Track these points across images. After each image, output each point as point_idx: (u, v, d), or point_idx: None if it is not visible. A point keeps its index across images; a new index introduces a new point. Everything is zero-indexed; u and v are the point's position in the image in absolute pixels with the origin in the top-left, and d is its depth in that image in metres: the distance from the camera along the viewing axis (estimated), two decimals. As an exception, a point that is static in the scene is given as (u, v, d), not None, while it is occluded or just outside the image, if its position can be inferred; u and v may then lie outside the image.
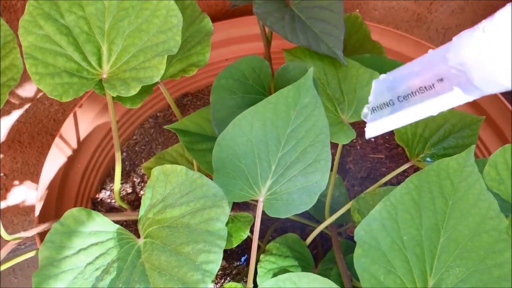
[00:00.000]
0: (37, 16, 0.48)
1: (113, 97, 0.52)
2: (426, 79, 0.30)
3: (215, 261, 0.37)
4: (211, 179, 0.44)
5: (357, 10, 0.99)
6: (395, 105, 0.31)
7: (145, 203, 0.44)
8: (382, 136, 0.84)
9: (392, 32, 0.85)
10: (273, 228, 0.72)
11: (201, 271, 0.36)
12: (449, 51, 0.28)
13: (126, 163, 0.84)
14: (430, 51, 0.31)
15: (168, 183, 0.43)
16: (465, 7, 1.11)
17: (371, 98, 0.33)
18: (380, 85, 0.32)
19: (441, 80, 0.29)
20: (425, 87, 0.30)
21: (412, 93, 0.30)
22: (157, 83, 0.53)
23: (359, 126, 0.86)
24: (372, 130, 0.32)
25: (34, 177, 1.00)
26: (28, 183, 1.01)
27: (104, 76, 0.51)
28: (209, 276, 0.36)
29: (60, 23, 0.49)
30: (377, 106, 0.31)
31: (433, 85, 0.29)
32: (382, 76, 0.33)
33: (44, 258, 0.40)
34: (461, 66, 0.27)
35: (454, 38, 0.28)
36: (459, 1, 1.09)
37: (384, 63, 0.63)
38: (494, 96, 0.76)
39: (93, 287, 0.39)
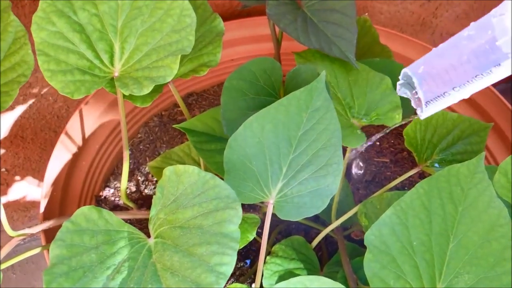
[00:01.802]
0: (50, 12, 0.48)
1: (123, 96, 0.52)
2: (482, 66, 0.30)
3: (229, 263, 0.37)
4: (220, 179, 0.44)
5: (366, 14, 0.99)
6: (450, 95, 0.31)
7: (156, 202, 0.44)
8: (387, 140, 0.84)
9: (399, 36, 0.85)
10: (277, 230, 0.72)
11: (215, 273, 0.36)
12: (495, 31, 0.28)
13: (131, 161, 0.84)
14: (467, 34, 0.31)
15: (180, 183, 0.43)
16: (470, 13, 1.12)
17: (418, 91, 0.32)
18: (426, 77, 0.32)
19: (499, 65, 0.29)
20: (482, 74, 0.30)
21: (468, 81, 0.30)
22: (167, 82, 0.53)
23: (364, 130, 0.86)
24: (428, 113, 0.33)
25: (36, 173, 1.00)
26: (29, 179, 1.00)
27: (116, 74, 0.51)
28: (223, 279, 0.36)
29: (73, 20, 0.49)
30: (432, 100, 0.32)
31: (490, 71, 0.29)
32: (419, 67, 0.33)
33: (54, 256, 0.40)
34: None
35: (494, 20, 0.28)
36: (465, 6, 1.09)
37: (393, 67, 0.63)
38: (501, 102, 0.76)
39: (104, 286, 0.39)
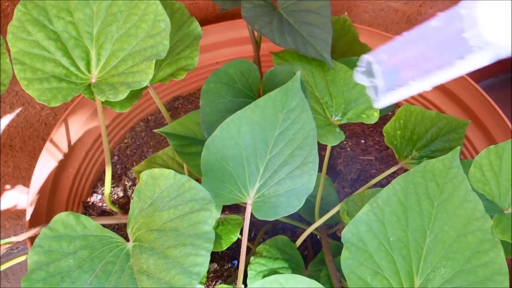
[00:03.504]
0: (25, 21, 0.49)
1: (102, 102, 0.52)
2: (446, 58, 0.29)
3: (203, 264, 0.37)
4: (198, 182, 0.45)
5: (346, 13, 0.99)
6: (411, 85, 0.31)
7: (134, 207, 0.45)
8: (372, 137, 0.85)
9: (381, 34, 0.86)
10: (264, 230, 0.72)
11: (189, 274, 0.37)
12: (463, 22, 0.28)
13: (118, 166, 0.84)
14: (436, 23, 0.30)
15: (157, 186, 0.44)
16: (455, 9, 1.12)
17: (375, 82, 0.32)
18: (387, 66, 0.32)
19: (463, 58, 0.29)
20: (446, 66, 0.30)
21: (431, 72, 0.30)
22: (146, 87, 0.54)
23: (349, 128, 0.87)
24: (384, 102, 0.32)
25: (26, 181, 1.00)
26: (19, 187, 1.01)
27: (93, 80, 0.51)
28: (196, 279, 0.36)
29: (49, 29, 0.49)
30: (391, 89, 0.31)
31: (455, 63, 0.29)
32: (382, 54, 0.32)
33: (33, 262, 0.40)
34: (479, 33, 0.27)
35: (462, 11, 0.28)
36: (448, 2, 1.10)
37: (372, 66, 0.63)
38: (482, 97, 0.77)
39: (82, 291, 0.39)
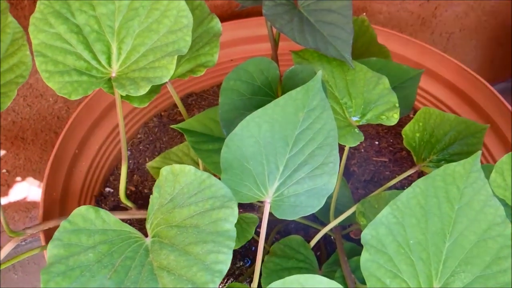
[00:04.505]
0: (48, 14, 0.49)
1: (121, 96, 0.52)
2: None
3: (225, 262, 0.37)
4: (218, 179, 0.44)
5: (364, 14, 0.99)
6: None
7: (153, 202, 0.44)
8: (386, 139, 0.85)
9: (397, 35, 0.86)
10: (276, 229, 0.72)
11: (211, 271, 0.36)
12: None
13: (130, 161, 0.84)
14: None
15: (177, 183, 0.44)
16: (470, 12, 1.12)
17: None
18: None
19: None
20: None
21: None
22: (165, 82, 0.54)
23: (363, 129, 0.87)
24: None
25: (37, 174, 1.00)
26: (30, 180, 1.01)
27: (113, 75, 0.51)
28: (218, 277, 0.36)
29: (71, 22, 0.49)
30: None
31: None
32: None
33: (52, 256, 0.40)
34: None
35: None
36: (464, 6, 1.09)
37: (390, 67, 0.63)
38: (499, 102, 0.76)
39: (101, 285, 0.39)
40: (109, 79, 0.51)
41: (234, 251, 0.72)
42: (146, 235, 0.44)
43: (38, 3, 0.49)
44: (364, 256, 0.44)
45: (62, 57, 0.49)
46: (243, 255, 0.72)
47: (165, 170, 0.44)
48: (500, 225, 0.45)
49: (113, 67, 0.51)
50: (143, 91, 0.47)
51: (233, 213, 0.40)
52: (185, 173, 0.43)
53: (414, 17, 1.08)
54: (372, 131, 0.86)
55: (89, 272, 0.40)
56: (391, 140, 0.84)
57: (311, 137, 0.47)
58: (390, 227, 0.45)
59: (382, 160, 0.81)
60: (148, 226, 0.44)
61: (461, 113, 0.83)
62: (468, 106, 0.82)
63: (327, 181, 0.47)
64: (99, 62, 0.50)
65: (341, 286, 0.41)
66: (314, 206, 0.47)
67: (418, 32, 1.12)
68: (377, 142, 0.84)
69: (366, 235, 0.44)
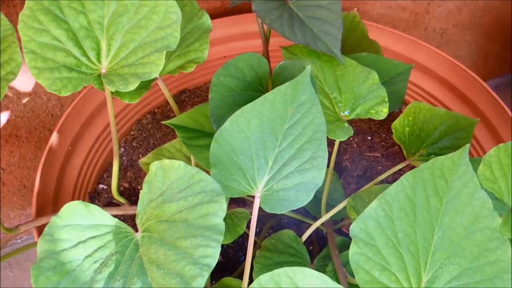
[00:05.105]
0: (37, 11, 0.49)
1: (111, 92, 0.52)
2: None
3: (213, 256, 0.37)
4: (209, 174, 0.45)
5: (355, 9, 0.99)
6: None
7: (143, 197, 0.45)
8: (379, 134, 0.85)
9: (389, 31, 0.86)
10: (269, 224, 0.72)
11: (199, 265, 0.37)
12: None
13: (124, 158, 0.84)
14: None
15: (166, 178, 0.44)
16: (463, 8, 1.12)
17: None
18: None
19: None
20: None
21: None
22: (155, 79, 0.54)
23: (356, 125, 0.87)
24: None
25: (31, 172, 1.01)
26: (25, 177, 1.01)
27: (103, 71, 0.51)
28: (206, 270, 0.37)
29: (60, 18, 0.49)
30: None
31: None
32: None
33: (42, 251, 0.40)
34: None
35: None
36: (457, 2, 1.09)
37: (380, 62, 0.63)
38: (490, 96, 0.77)
39: (91, 279, 0.39)
40: (99, 76, 0.51)
41: (227, 247, 0.73)
42: (136, 230, 0.44)
43: (27, 0, 0.49)
44: (353, 249, 0.44)
45: (52, 54, 0.49)
46: (236, 251, 0.73)
47: (154, 166, 0.45)
48: (487, 217, 0.45)
49: (103, 63, 0.51)
50: (132, 87, 0.48)
51: (222, 208, 0.40)
52: (175, 168, 0.44)
53: (407, 13, 1.08)
54: (365, 126, 0.86)
55: (80, 266, 0.40)
56: (384, 135, 0.85)
57: (300, 132, 0.47)
58: (379, 220, 0.45)
59: (375, 155, 0.82)
60: (138, 221, 0.44)
61: (453, 108, 0.83)
62: (460, 101, 0.82)
63: (316, 175, 0.47)
64: (88, 58, 0.50)
65: (330, 279, 0.41)
66: (303, 200, 0.47)
67: (412, 28, 1.12)
68: (369, 137, 0.84)
69: (354, 229, 0.44)
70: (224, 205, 0.41)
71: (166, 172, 0.44)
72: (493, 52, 1.29)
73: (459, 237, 0.45)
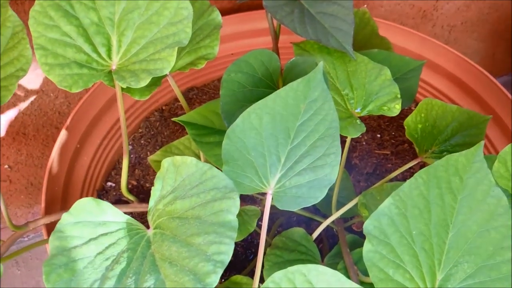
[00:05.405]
0: (47, 6, 0.48)
1: (122, 89, 0.52)
2: None
3: (226, 252, 0.37)
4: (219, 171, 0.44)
5: (365, 6, 0.98)
6: None
7: (154, 194, 0.44)
8: (388, 132, 0.84)
9: (398, 28, 0.85)
10: (278, 222, 0.72)
11: (213, 262, 0.36)
12: None
13: (132, 156, 0.84)
14: None
15: (178, 174, 0.43)
16: (471, 5, 1.11)
17: None
18: None
19: None
20: None
21: None
22: (166, 75, 0.53)
23: (365, 122, 0.86)
24: None
25: (39, 170, 1.00)
26: (32, 175, 1.01)
27: (114, 67, 0.51)
28: (220, 267, 0.36)
29: (71, 14, 0.49)
30: None
31: None
32: None
33: (54, 247, 0.40)
34: None
35: None
36: (465, -2, 1.09)
37: (392, 58, 0.63)
38: (501, 93, 0.76)
39: (103, 276, 0.39)
40: (110, 72, 0.51)
41: (237, 244, 0.72)
42: (147, 227, 0.44)
43: (37, -5, 0.49)
44: (367, 246, 0.43)
45: (62, 50, 0.48)
46: (246, 249, 0.72)
47: (166, 162, 0.44)
48: (502, 215, 0.45)
49: (113, 59, 0.51)
50: (144, 83, 0.47)
51: (235, 204, 0.40)
52: (187, 164, 0.43)
53: (415, 10, 1.07)
54: (374, 123, 0.85)
55: (91, 263, 0.40)
56: (393, 133, 0.84)
57: (313, 128, 0.47)
58: (393, 217, 0.45)
59: (384, 153, 0.81)
60: (149, 218, 0.44)
61: (463, 105, 0.83)
62: (470, 97, 0.82)
63: (329, 172, 0.46)
64: (99, 54, 0.50)
65: (344, 276, 0.41)
66: (316, 197, 0.47)
67: (420, 25, 1.11)
68: (379, 135, 0.83)
69: (368, 226, 0.44)
70: (237, 202, 0.40)
71: (177, 169, 0.44)
72: (501, 50, 1.28)
73: (474, 235, 0.45)
